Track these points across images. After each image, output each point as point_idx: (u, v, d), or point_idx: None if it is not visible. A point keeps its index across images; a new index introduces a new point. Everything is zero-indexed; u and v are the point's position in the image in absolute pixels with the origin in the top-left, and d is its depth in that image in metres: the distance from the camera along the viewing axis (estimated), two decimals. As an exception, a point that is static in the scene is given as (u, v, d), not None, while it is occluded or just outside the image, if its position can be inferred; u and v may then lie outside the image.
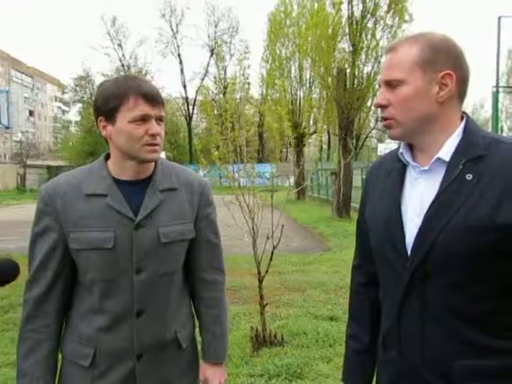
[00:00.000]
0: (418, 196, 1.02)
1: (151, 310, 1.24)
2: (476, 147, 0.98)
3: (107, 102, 1.17)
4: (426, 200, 1.00)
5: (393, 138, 1.07)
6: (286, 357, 3.29)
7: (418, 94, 0.99)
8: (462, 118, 1.04)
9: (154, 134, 1.16)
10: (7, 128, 11.09)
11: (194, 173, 1.38)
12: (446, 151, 1.00)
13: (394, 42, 1.05)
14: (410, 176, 1.06)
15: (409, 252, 1.00)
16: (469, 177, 0.95)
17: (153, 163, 1.27)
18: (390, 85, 1.02)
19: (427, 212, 0.98)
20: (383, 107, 1.04)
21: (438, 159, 1.00)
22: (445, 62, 0.99)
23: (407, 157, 1.06)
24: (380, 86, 1.06)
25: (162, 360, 1.27)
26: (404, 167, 1.08)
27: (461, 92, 1.02)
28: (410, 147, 1.08)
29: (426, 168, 1.02)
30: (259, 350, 3.43)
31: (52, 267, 1.22)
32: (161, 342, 1.27)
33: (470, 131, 1.01)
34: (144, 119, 1.16)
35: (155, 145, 1.18)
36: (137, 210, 1.21)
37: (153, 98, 1.16)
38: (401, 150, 1.08)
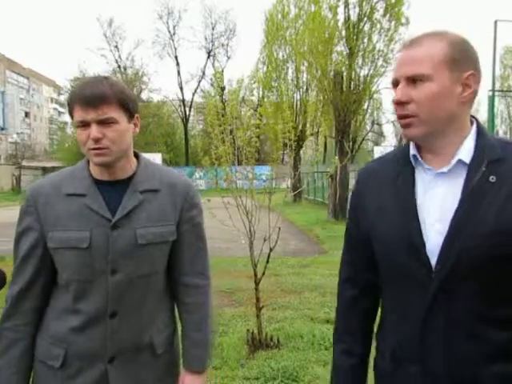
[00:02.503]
0: (437, 201, 0.98)
1: (125, 312, 1.22)
2: (494, 149, 0.97)
3: (68, 109, 1.21)
4: (447, 205, 0.96)
5: (412, 138, 1.01)
6: (282, 360, 3.27)
7: (444, 92, 0.96)
8: (471, 121, 1.02)
9: (92, 138, 1.15)
10: (2, 129, 11.02)
11: (179, 174, 1.35)
12: (465, 153, 0.97)
13: (416, 36, 1.00)
14: (422, 179, 1.01)
15: (432, 260, 0.96)
16: (492, 179, 0.93)
17: (132, 163, 1.26)
18: (413, 80, 0.96)
19: (454, 217, 0.94)
20: (403, 104, 0.98)
21: (459, 161, 0.97)
22: (469, 62, 0.98)
23: (420, 159, 1.02)
24: (395, 83, 0.99)
25: (136, 365, 1.25)
26: (413, 170, 1.03)
27: (476, 94, 1.00)
28: (418, 149, 1.03)
29: (445, 171, 0.98)
30: (255, 353, 3.41)
31: (31, 265, 1.23)
32: (134, 345, 1.24)
33: (484, 134, 1.00)
34: (85, 124, 1.15)
35: (98, 149, 1.16)
36: (115, 211, 1.20)
37: (87, 102, 1.13)
38: (413, 153, 1.03)
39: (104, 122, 1.15)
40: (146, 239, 1.22)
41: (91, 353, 1.21)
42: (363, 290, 1.15)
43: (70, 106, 1.18)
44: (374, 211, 1.06)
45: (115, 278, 1.20)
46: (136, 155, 1.30)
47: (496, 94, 13.55)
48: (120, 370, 1.23)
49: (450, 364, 0.96)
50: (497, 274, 0.93)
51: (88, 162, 1.27)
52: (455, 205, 0.95)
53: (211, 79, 34.88)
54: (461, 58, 0.97)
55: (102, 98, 1.14)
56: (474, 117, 1.04)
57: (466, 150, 0.98)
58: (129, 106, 1.19)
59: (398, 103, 0.98)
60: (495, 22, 13.24)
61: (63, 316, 1.23)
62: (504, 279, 0.94)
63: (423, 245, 0.96)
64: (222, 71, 36.04)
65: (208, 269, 1.38)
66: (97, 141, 1.15)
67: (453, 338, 0.95)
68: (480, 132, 1.00)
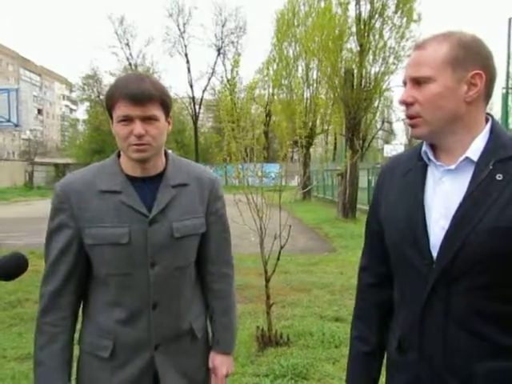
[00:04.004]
0: (443, 196, 1.00)
1: (166, 302, 1.28)
2: (505, 148, 0.97)
3: (106, 102, 1.23)
4: (451, 201, 0.98)
5: (417, 137, 1.05)
6: (291, 357, 3.28)
7: (447, 92, 0.98)
8: (486, 120, 1.03)
9: (136, 134, 1.17)
10: (16, 126, 11.15)
11: (204, 168, 1.42)
12: (474, 151, 0.99)
13: (424, 38, 1.04)
14: (433, 175, 1.04)
15: (434, 254, 0.99)
16: (499, 177, 0.95)
17: (163, 159, 1.30)
18: (417, 82, 1.00)
19: (456, 213, 0.96)
20: (408, 105, 1.02)
21: (466, 159, 0.99)
22: (475, 61, 0.98)
23: (430, 155, 1.05)
24: (405, 83, 1.03)
25: (179, 350, 1.32)
26: (425, 166, 1.05)
27: (487, 93, 1.01)
28: (432, 146, 1.06)
29: (453, 167, 1.00)
30: (265, 350, 3.43)
31: (67, 262, 1.25)
32: (177, 332, 1.31)
33: (497, 132, 1.00)
34: (128, 119, 1.18)
35: (140, 145, 1.19)
36: (150, 206, 1.24)
37: (135, 99, 1.16)
38: (424, 149, 1.06)
39: (147, 119, 1.19)
40: (181, 232, 1.27)
41: (137, 343, 1.26)
42: (378, 280, 1.18)
43: (112, 100, 1.19)
44: (387, 204, 1.11)
45: (155, 271, 1.25)
46: (164, 152, 1.33)
47: (510, 91, 13.33)
48: (165, 357, 1.29)
49: (447, 354, 0.98)
50: (496, 274, 0.94)
51: (118, 157, 1.29)
52: (459, 201, 0.96)
53: (221, 77, 34.89)
54: (465, 58, 0.97)
55: (148, 95, 1.17)
56: (490, 114, 1.04)
57: (475, 148, 0.99)
58: (167, 104, 1.24)
59: (403, 103, 1.02)
60: (509, 20, 13.03)
61: (108, 309, 1.27)
62: (504, 279, 0.94)
63: (427, 239, 0.99)
64: (232, 69, 35.99)
65: (232, 258, 1.46)
66: (140, 137, 1.18)
67: (451, 330, 0.98)
68: (493, 130, 1.01)
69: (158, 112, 1.20)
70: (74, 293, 1.28)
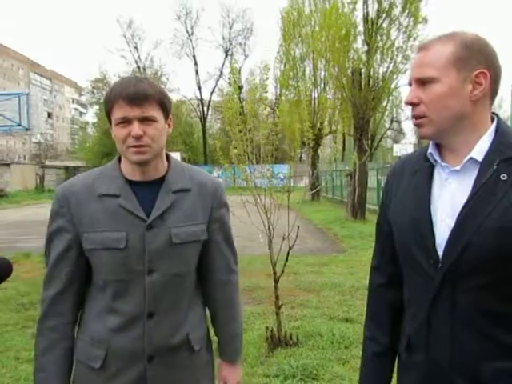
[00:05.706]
0: (449, 196, 1.01)
1: (163, 311, 1.23)
2: (510, 148, 0.97)
3: (104, 106, 1.21)
4: (457, 200, 0.99)
5: (424, 136, 1.05)
6: (301, 357, 3.28)
7: (452, 92, 0.98)
8: (492, 119, 1.03)
9: (133, 135, 1.15)
10: (27, 130, 11.29)
11: (207, 174, 1.38)
12: (479, 151, 0.99)
13: (427, 40, 1.05)
14: (439, 176, 1.05)
15: (439, 253, 0.99)
16: (503, 177, 0.95)
17: (164, 163, 1.27)
18: (422, 83, 1.01)
19: (461, 212, 0.97)
20: (414, 105, 1.03)
21: (471, 159, 0.99)
22: (479, 60, 0.98)
23: (436, 156, 1.05)
24: (410, 83, 1.04)
25: (174, 363, 1.26)
26: (432, 167, 1.06)
27: (493, 91, 1.01)
28: (438, 147, 1.06)
29: (458, 168, 1.01)
30: (274, 351, 3.43)
31: (66, 267, 1.24)
32: (172, 344, 1.25)
33: (503, 132, 1.00)
34: (126, 121, 1.16)
35: (139, 146, 1.16)
36: (149, 211, 1.21)
37: (131, 100, 1.14)
38: (430, 150, 1.06)
39: (145, 120, 1.16)
40: (180, 238, 1.23)
41: (130, 353, 1.22)
42: (389, 280, 1.18)
43: (110, 103, 1.18)
44: (395, 204, 1.12)
45: (152, 278, 1.22)
46: (166, 156, 1.31)
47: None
48: (159, 370, 1.24)
49: (454, 353, 0.98)
50: (500, 272, 0.94)
51: (119, 161, 1.27)
52: (464, 201, 0.97)
53: (229, 78, 34.95)
54: (469, 57, 0.98)
55: (145, 96, 1.15)
56: (495, 114, 1.04)
57: (480, 149, 0.99)
58: (166, 106, 1.22)
59: (409, 104, 1.03)
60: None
61: (102, 316, 1.24)
62: (508, 278, 0.94)
63: (433, 238, 1.00)
64: (240, 70, 36.07)
65: (236, 263, 1.41)
66: (138, 138, 1.16)
67: (457, 329, 0.98)
68: (498, 130, 1.01)
69: (156, 113, 1.18)
70: (73, 299, 1.25)
